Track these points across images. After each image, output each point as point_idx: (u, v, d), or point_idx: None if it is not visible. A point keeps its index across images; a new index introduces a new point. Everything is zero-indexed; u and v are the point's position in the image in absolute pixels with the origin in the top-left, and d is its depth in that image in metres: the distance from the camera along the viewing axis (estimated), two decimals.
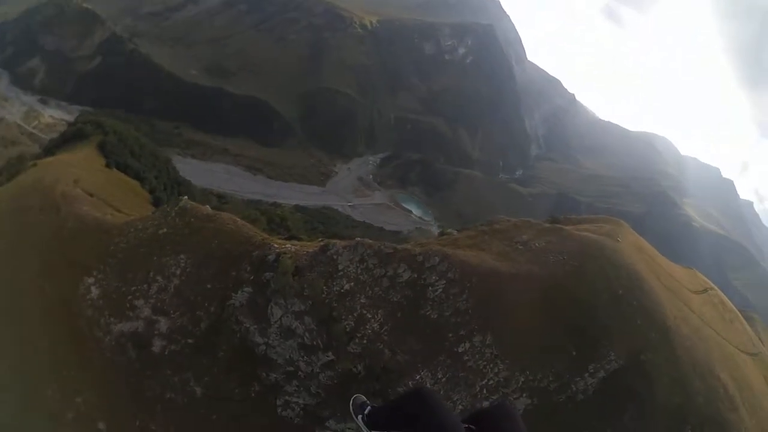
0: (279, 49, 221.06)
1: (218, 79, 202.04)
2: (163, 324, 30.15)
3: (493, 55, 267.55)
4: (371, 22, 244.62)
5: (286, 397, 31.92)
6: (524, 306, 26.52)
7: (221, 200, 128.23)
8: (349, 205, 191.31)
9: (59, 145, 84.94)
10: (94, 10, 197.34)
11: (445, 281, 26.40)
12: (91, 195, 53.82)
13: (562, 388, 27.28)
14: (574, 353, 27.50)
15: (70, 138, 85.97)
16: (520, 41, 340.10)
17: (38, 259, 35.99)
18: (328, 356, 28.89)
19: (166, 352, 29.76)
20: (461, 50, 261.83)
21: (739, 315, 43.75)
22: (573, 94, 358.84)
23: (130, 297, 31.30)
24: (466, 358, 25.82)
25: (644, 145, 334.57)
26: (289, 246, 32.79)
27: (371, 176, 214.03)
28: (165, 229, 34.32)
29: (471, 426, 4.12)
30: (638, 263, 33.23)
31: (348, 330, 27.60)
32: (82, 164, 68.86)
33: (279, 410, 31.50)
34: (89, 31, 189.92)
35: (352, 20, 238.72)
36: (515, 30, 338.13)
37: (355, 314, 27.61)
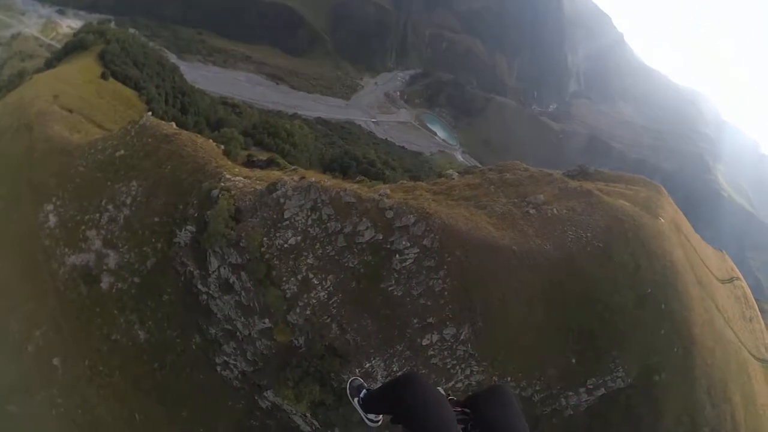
0: None
1: None
2: (112, 258, 28.18)
3: None
4: None
5: (225, 357, 26.51)
6: (521, 296, 18.98)
7: (235, 110, 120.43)
8: (373, 121, 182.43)
9: (61, 58, 79.96)
10: None
11: (418, 249, 18.86)
12: (71, 111, 51.53)
13: (548, 400, 20.50)
14: (573, 361, 20.38)
15: (72, 49, 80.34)
16: None
17: (8, 184, 35.21)
18: (264, 323, 22.34)
19: (114, 290, 27.92)
20: None
21: (759, 314, 39.19)
22: (622, 34, 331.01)
23: (83, 227, 29.60)
24: (432, 353, 18.82)
25: (686, 101, 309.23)
26: (240, 179, 25.33)
27: (398, 93, 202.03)
28: (122, 151, 31.72)
29: (465, 410, 3.87)
30: (676, 250, 25.23)
31: (288, 296, 20.72)
32: (74, 77, 65.51)
33: (218, 369, 27.39)
34: None
35: None
36: None
37: (298, 277, 20.71)
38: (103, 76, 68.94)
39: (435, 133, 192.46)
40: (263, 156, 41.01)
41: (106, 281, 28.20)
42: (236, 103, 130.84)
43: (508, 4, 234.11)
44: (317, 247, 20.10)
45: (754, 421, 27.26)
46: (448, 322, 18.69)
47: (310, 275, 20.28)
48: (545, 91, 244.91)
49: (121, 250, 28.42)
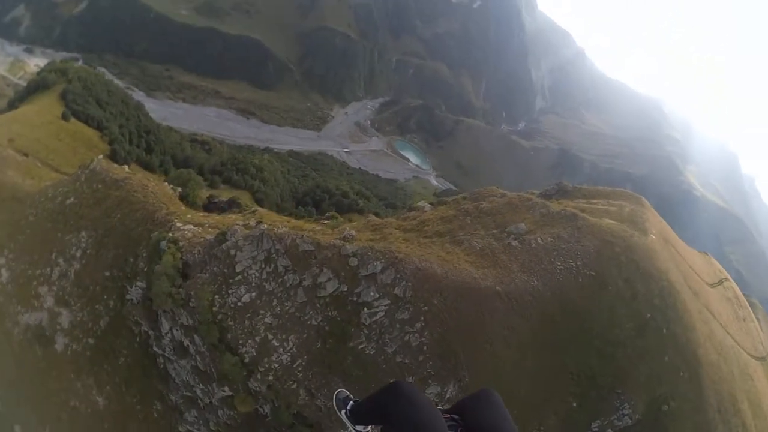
0: None
1: (210, 20, 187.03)
2: (65, 317, 26.41)
3: (501, 1, 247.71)
4: None
5: (188, 426, 23.22)
6: (511, 342, 16.37)
7: (204, 147, 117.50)
8: (345, 151, 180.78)
9: (23, 97, 78.07)
10: None
11: (389, 300, 16.16)
12: (26, 155, 50.34)
13: None
14: (574, 405, 17.79)
15: (34, 89, 78.81)
16: None
17: None
18: (224, 390, 19.27)
19: (69, 352, 26.15)
20: None
21: (750, 311, 37.99)
22: (582, 48, 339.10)
23: (35, 283, 27.93)
24: None
25: (651, 106, 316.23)
26: (189, 228, 22.46)
27: (369, 122, 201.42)
28: (72, 199, 29.85)
29: (454, 416, 3.82)
30: (670, 267, 23.13)
31: (247, 361, 17.79)
32: (33, 118, 64.11)
33: None
34: None
35: None
36: None
37: (256, 339, 17.86)
38: (64, 117, 66.69)
39: (408, 159, 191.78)
40: (224, 196, 38.12)
41: (60, 342, 26.57)
42: (206, 140, 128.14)
43: (471, 27, 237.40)
44: (275, 303, 17.34)
45: (763, 424, 25.87)
46: (430, 380, 15.93)
47: (269, 336, 17.47)
48: (513, 110, 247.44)
49: (73, 308, 26.73)
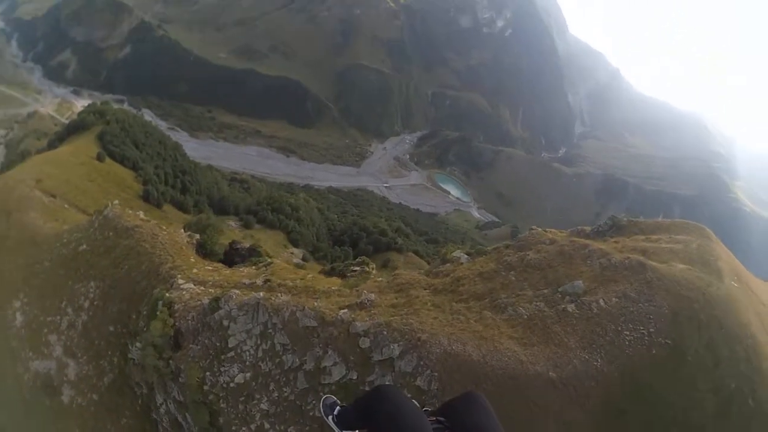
0: (310, 28, 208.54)
1: (249, 61, 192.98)
2: (72, 369, 25.15)
3: (533, 27, 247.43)
4: None
5: None
6: None
7: (243, 185, 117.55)
8: (385, 186, 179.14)
9: (63, 137, 79.07)
10: None
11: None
12: (54, 196, 49.76)
13: None
14: None
15: (73, 129, 79.78)
16: (561, 12, 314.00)
17: None
18: None
19: (74, 405, 24.62)
20: (500, 23, 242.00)
21: None
22: (617, 68, 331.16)
23: (45, 330, 27.00)
24: None
25: (693, 123, 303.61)
26: (190, 288, 19.49)
27: (408, 156, 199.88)
28: (84, 245, 28.77)
29: (439, 418, 3.85)
30: (751, 317, 18.25)
31: None
32: (67, 159, 64.11)
33: None
34: (118, 20, 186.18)
35: None
36: (556, 1, 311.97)
37: (252, 426, 14.39)
38: (99, 157, 66.55)
39: (448, 192, 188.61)
40: (246, 243, 35.38)
41: (66, 394, 25.45)
42: (245, 179, 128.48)
43: (504, 56, 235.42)
44: (272, 388, 13.95)
45: None
46: None
47: (266, 425, 14.04)
48: (553, 137, 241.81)
49: (80, 360, 25.21)
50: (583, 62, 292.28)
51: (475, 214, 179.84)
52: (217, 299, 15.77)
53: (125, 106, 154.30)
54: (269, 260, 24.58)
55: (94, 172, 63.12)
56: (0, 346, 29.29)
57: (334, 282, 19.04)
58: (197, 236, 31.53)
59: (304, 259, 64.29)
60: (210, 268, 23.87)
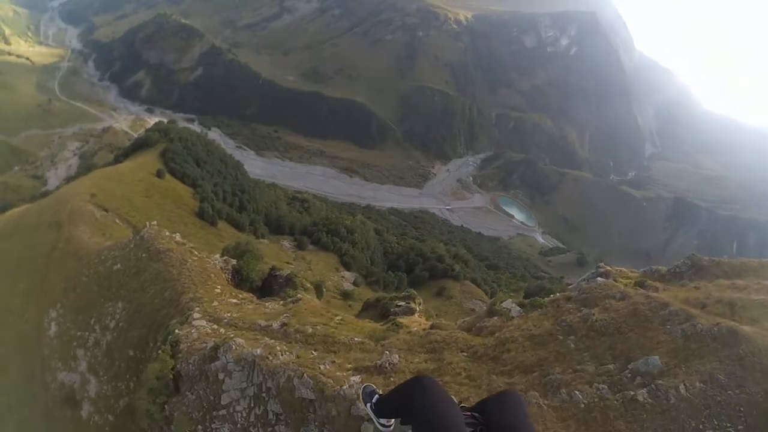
0: (374, 51, 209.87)
1: (315, 84, 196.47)
2: (93, 386, 25.20)
3: (598, 44, 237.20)
4: (466, 18, 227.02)
5: None
6: None
7: (303, 204, 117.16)
8: (447, 209, 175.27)
9: (128, 153, 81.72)
10: (191, 24, 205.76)
11: None
12: (107, 210, 50.51)
13: None
14: None
15: (138, 146, 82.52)
16: (627, 28, 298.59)
17: (28, 280, 35.51)
18: None
19: (91, 422, 24.60)
20: (564, 41, 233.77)
21: None
22: (686, 86, 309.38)
23: (75, 344, 27.38)
24: None
25: (765, 140, 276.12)
26: (202, 326, 17.09)
27: (471, 178, 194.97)
28: (119, 265, 28.80)
29: (475, 414, 3.82)
30: None
31: None
32: (126, 174, 65.37)
33: None
34: (189, 44, 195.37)
35: (446, 16, 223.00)
36: (620, 16, 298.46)
37: None
38: (159, 174, 67.39)
39: (512, 216, 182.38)
40: (285, 270, 33.07)
41: (86, 409, 25.72)
42: (306, 198, 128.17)
43: (569, 75, 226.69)
44: None
45: None
46: None
47: None
48: (621, 158, 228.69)
49: (101, 379, 25.26)
50: (650, 78, 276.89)
51: (539, 239, 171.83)
52: (216, 348, 13.21)
53: (195, 124, 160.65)
54: (298, 296, 21.89)
55: (152, 188, 64.12)
56: (33, 352, 30.12)
57: (362, 329, 15.96)
58: (233, 262, 29.52)
59: (355, 283, 61.67)
60: (234, 300, 21.58)
